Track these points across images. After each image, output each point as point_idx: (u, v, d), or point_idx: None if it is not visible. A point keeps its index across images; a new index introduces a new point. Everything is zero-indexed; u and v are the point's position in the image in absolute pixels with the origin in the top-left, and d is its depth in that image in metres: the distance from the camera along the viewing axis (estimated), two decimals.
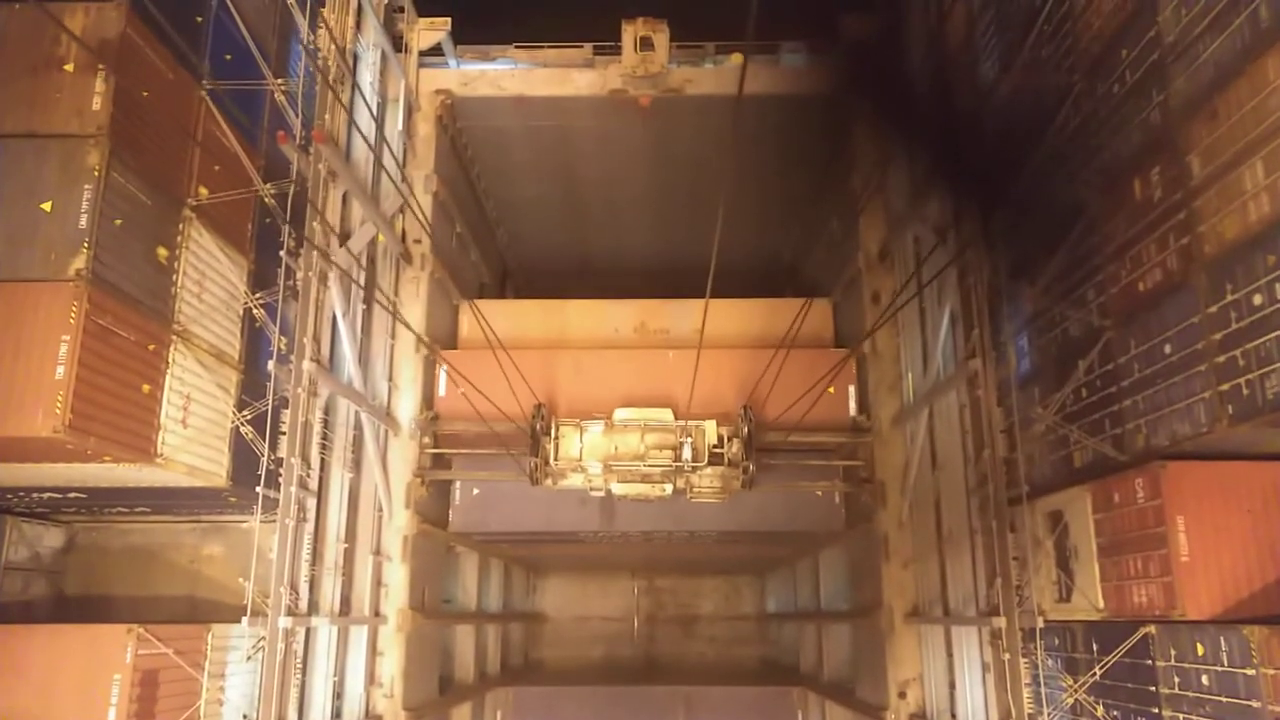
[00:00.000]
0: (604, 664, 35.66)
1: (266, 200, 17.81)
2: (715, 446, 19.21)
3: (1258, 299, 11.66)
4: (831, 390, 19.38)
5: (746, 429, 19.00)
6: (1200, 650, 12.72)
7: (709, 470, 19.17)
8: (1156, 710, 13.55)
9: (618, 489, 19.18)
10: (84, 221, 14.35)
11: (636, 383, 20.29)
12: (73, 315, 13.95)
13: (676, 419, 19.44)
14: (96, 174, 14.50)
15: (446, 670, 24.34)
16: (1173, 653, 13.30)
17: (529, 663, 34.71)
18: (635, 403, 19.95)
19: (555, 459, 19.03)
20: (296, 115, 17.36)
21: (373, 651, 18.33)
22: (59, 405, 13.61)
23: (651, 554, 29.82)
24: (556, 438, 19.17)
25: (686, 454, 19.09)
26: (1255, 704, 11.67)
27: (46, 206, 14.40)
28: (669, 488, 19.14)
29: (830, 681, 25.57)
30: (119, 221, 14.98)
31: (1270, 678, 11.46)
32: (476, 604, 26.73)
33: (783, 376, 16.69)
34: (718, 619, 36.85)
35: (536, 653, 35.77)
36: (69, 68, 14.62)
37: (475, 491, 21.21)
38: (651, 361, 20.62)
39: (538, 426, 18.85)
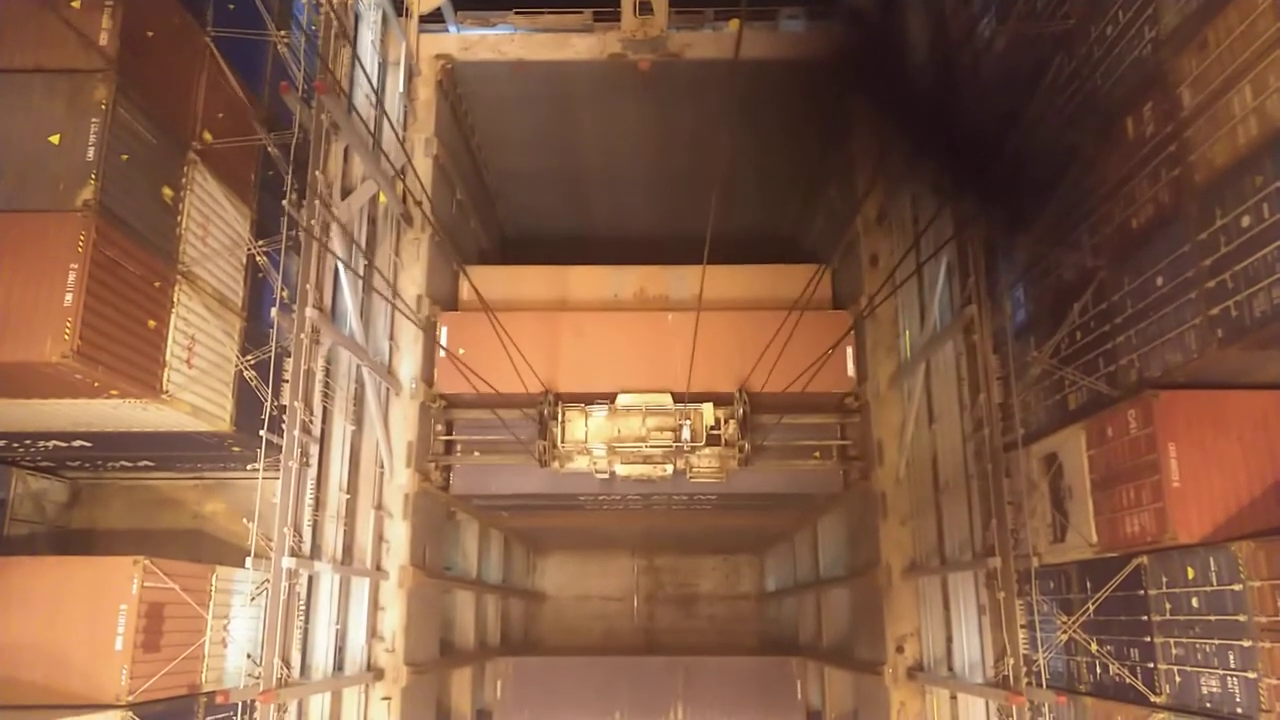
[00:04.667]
0: (604, 642, 35.81)
1: (270, 150, 17.99)
2: (712, 428, 20.10)
3: (1246, 220, 11.85)
4: (828, 351, 19.57)
5: (742, 410, 19.84)
6: (1190, 574, 12.89)
7: (707, 450, 20.09)
8: (1149, 639, 13.73)
9: (621, 470, 20.07)
10: (91, 154, 14.58)
11: (636, 345, 20.53)
12: (80, 245, 14.15)
13: (675, 396, 20.09)
14: (104, 108, 14.72)
15: (446, 636, 24.49)
16: (1164, 580, 13.47)
17: (529, 639, 34.86)
18: (635, 365, 20.26)
19: (562, 442, 19.96)
20: (299, 68, 17.55)
21: (374, 606, 18.50)
22: (67, 331, 13.82)
23: (651, 526, 29.96)
24: (563, 422, 20.06)
25: (686, 435, 19.94)
26: (1241, 618, 11.85)
27: (54, 139, 14.63)
28: (669, 468, 20.08)
29: (830, 648, 25.74)
30: (125, 157, 15.20)
31: (1256, 590, 11.63)
32: (477, 573, 26.91)
33: (781, 339, 16.87)
34: (717, 598, 37.01)
35: (536, 630, 35.93)
36: (75, 4, 14.85)
37: (476, 454, 21.41)
38: (651, 324, 20.84)
39: (545, 411, 19.76)
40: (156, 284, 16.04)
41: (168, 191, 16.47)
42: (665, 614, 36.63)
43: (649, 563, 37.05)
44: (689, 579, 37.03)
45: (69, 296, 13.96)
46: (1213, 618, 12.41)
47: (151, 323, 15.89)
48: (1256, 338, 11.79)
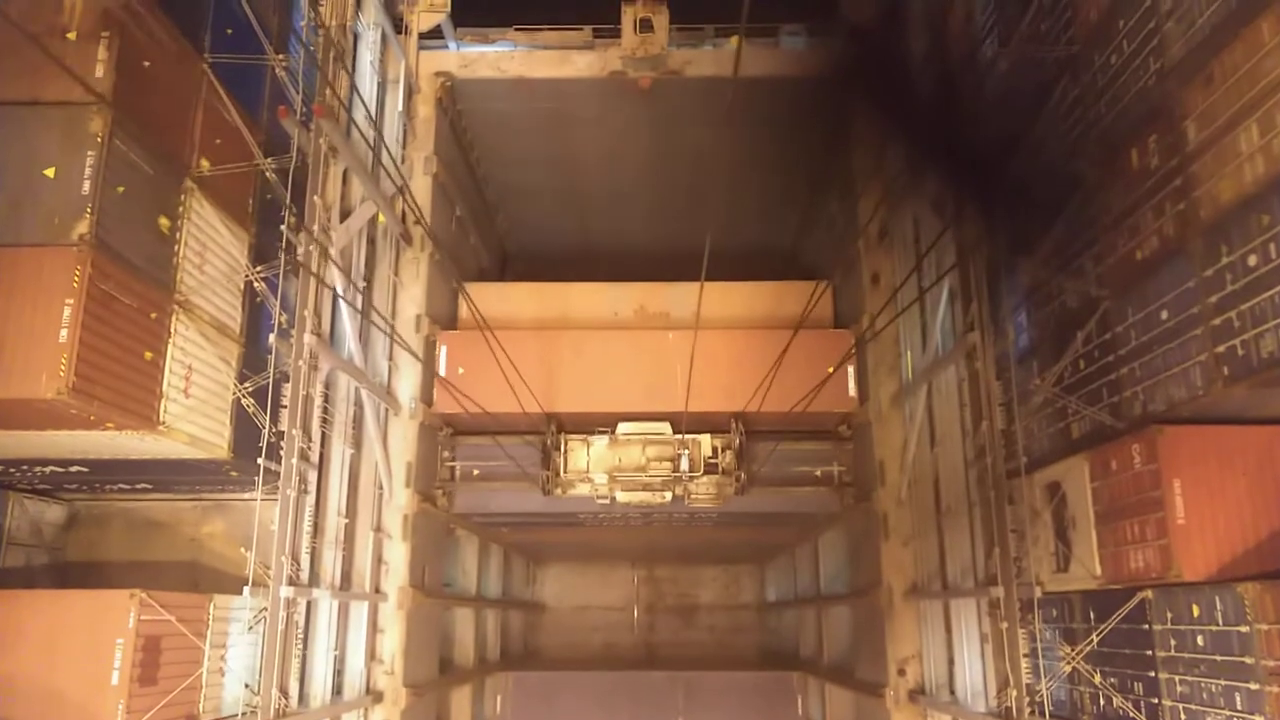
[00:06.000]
0: (604, 653, 35.74)
1: (267, 175, 17.88)
2: (710, 457, 20.58)
3: (1253, 260, 11.75)
4: (831, 370, 19.52)
5: (739, 440, 20.25)
6: (1196, 611, 12.79)
7: (705, 478, 20.53)
8: (1153, 674, 13.63)
9: (622, 497, 20.38)
10: (87, 187, 14.40)
11: (636, 365, 20.46)
12: (76, 279, 14.00)
13: (675, 420, 20.28)
14: (99, 140, 14.55)
15: (446, 653, 24.43)
16: (1169, 615, 13.37)
17: (529, 651, 34.78)
18: (635, 385, 20.24)
19: (565, 471, 20.45)
20: (297, 91, 17.43)
21: (373, 628, 18.44)
22: (63, 368, 13.67)
23: (651, 541, 29.89)
24: (565, 451, 20.54)
25: (684, 465, 20.38)
26: (1248, 660, 11.74)
27: (50, 172, 14.46)
28: (669, 495, 20.44)
29: (830, 665, 25.64)
30: (121, 189, 15.04)
31: (1263, 633, 11.54)
32: (476, 589, 26.83)
33: (783, 357, 16.77)
34: (717, 608, 36.93)
35: (536, 641, 35.86)
36: (71, 35, 14.69)
37: (476, 472, 21.37)
38: (652, 343, 20.73)
39: (548, 441, 20.23)
40: (153, 315, 15.90)
41: (164, 221, 16.33)
42: (665, 624, 36.57)
43: (649, 573, 36.98)
44: (689, 589, 36.96)
45: (64, 332, 13.79)
46: (1218, 657, 12.31)
47: (148, 354, 15.76)
48: (1264, 378, 11.68)
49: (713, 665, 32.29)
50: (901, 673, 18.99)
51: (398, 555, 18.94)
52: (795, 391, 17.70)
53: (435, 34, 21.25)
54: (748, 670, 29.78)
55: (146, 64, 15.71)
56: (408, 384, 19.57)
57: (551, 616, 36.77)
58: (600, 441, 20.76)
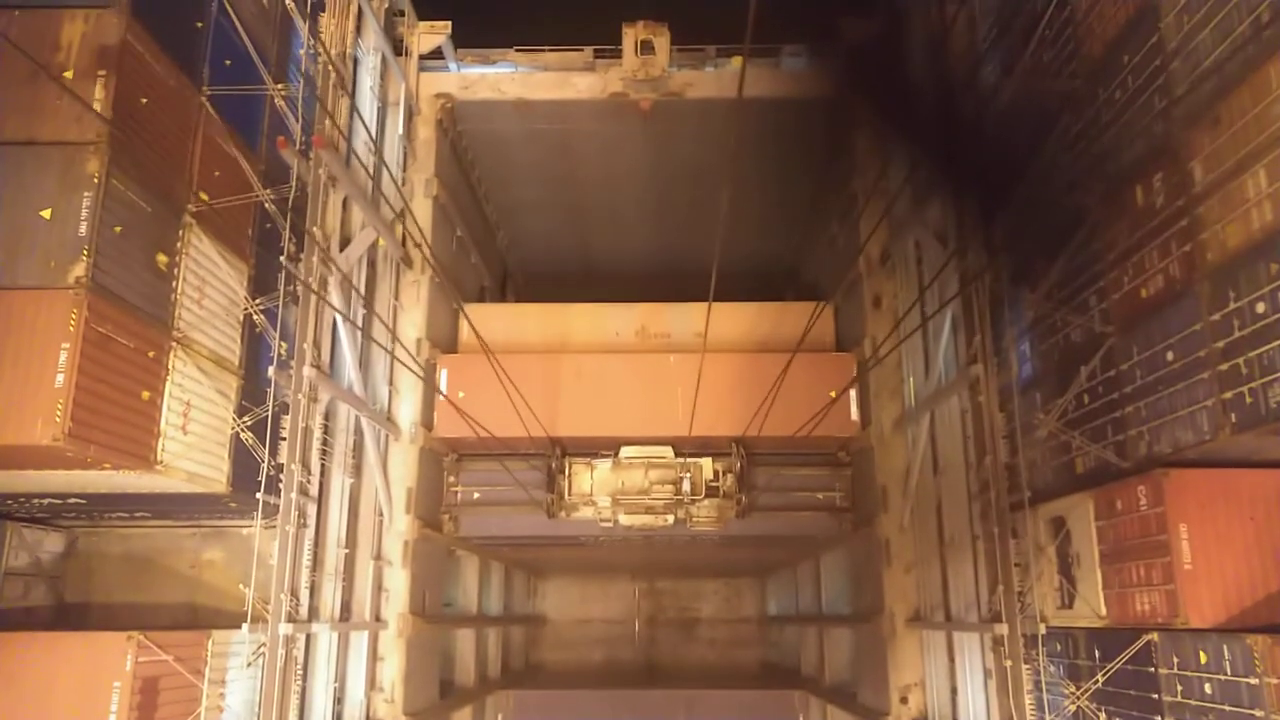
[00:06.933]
0: (605, 667, 35.63)
1: (267, 206, 17.73)
2: (711, 481, 20.76)
3: (1261, 307, 11.62)
4: (833, 394, 19.43)
5: (739, 464, 20.36)
6: (1203, 658, 12.67)
7: (706, 502, 20.71)
8: (1159, 718, 13.50)
9: (624, 519, 20.49)
10: (84, 229, 14.21)
11: (638, 388, 20.38)
12: (72, 323, 13.83)
13: (676, 444, 20.62)
14: (96, 181, 14.36)
15: (447, 674, 24.32)
16: (1175, 660, 13.25)
17: (530, 665, 34.68)
18: (637, 409, 20.18)
19: (569, 494, 20.63)
20: (297, 120, 17.28)
21: (373, 657, 18.33)
22: (59, 414, 13.51)
23: (652, 556, 29.81)
24: (569, 475, 20.71)
25: (686, 488, 20.56)
26: (1259, 713, 11.62)
27: (46, 214, 14.28)
28: (670, 518, 20.59)
29: (832, 686, 25.53)
30: (118, 228, 14.86)
31: (1273, 687, 11.41)
32: (477, 607, 26.71)
33: (784, 380, 16.67)
34: (718, 622, 36.79)
35: (537, 655, 35.74)
36: (68, 74, 14.53)
37: (476, 495, 21.30)
38: (653, 367, 20.64)
39: (553, 465, 20.39)
40: (151, 354, 15.73)
41: (162, 258, 16.16)
42: (667, 637, 36.43)
43: (650, 586, 36.84)
44: (690, 602, 36.83)
45: (60, 377, 13.61)
46: (1227, 708, 12.18)
47: (146, 394, 15.59)
48: (1273, 427, 11.56)
49: (714, 680, 32.25)
50: (904, 700, 18.89)
51: (398, 582, 18.82)
52: (796, 415, 17.65)
53: (435, 55, 21.16)
54: (749, 687, 29.67)
55: (144, 101, 15.54)
56: (408, 409, 19.45)
57: (553, 629, 36.63)
58: (604, 464, 20.90)
